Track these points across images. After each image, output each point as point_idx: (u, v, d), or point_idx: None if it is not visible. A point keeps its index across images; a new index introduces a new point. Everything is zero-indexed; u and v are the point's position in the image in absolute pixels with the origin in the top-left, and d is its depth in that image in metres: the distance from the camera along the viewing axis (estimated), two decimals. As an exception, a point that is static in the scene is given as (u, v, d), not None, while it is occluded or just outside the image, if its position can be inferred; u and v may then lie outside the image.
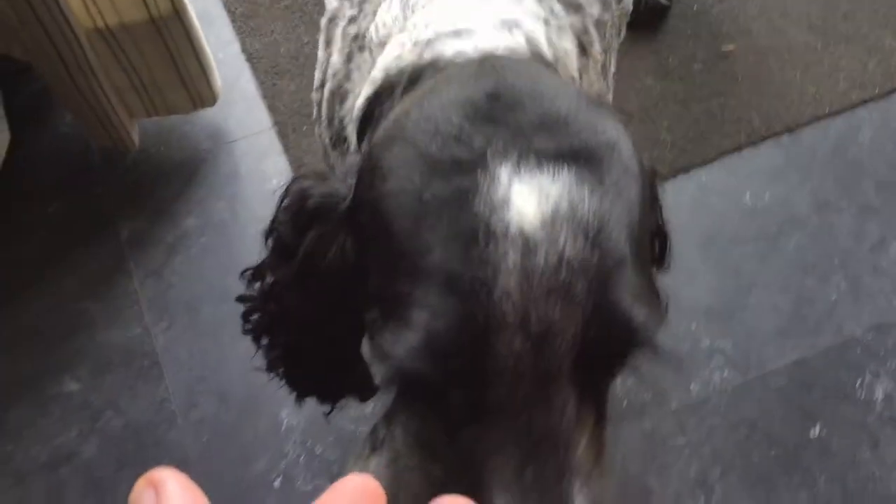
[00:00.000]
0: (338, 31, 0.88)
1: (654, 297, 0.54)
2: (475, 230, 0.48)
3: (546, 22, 0.77)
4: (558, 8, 0.80)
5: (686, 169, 1.52)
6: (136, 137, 1.39)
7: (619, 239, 0.50)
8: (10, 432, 1.31)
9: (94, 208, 1.45)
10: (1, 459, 1.29)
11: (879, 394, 1.38)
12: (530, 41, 0.72)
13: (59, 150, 1.49)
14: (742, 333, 1.41)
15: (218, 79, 1.39)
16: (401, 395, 0.57)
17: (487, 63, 0.60)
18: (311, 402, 1.31)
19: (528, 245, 0.47)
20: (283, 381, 0.79)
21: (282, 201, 0.63)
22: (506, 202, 0.48)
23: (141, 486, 0.34)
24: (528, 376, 0.48)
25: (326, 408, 0.85)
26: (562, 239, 0.48)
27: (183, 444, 1.31)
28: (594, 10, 0.86)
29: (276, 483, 1.29)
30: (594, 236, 0.48)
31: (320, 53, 0.93)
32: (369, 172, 0.56)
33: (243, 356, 1.35)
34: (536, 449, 0.49)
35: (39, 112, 1.51)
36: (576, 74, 0.80)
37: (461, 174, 0.50)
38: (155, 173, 1.48)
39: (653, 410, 1.36)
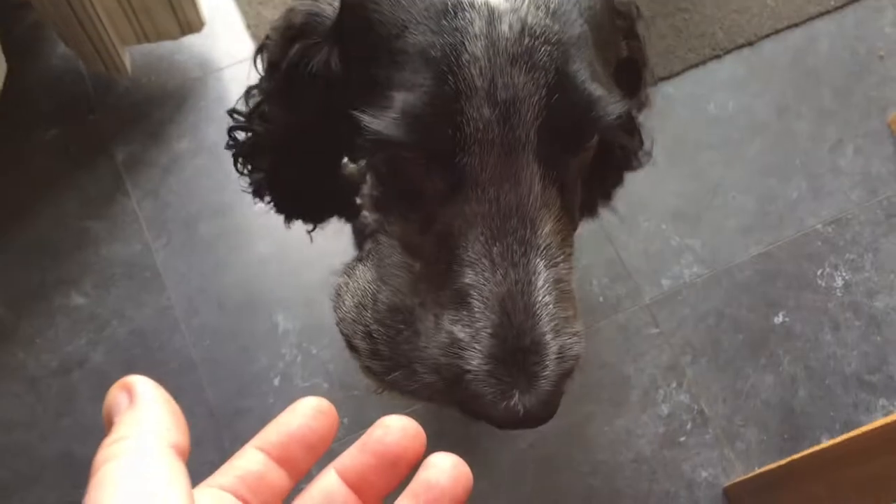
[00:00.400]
0: None
1: (612, 88, 0.57)
2: (446, 3, 0.52)
3: None
4: None
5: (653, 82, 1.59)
6: (128, 64, 1.45)
7: (580, 18, 0.54)
8: (22, 341, 1.38)
9: (90, 134, 1.51)
10: (14, 366, 1.37)
11: (839, 281, 1.47)
12: None
13: (55, 80, 1.55)
14: (709, 232, 1.50)
15: (203, 5, 1.46)
16: (382, 197, 0.64)
17: None
18: (304, 309, 1.40)
19: (492, 14, 0.52)
20: (269, 205, 0.83)
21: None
22: None
23: (114, 390, 0.37)
24: (497, 145, 0.53)
25: (310, 226, 0.89)
26: (524, 8, 0.52)
27: (186, 349, 1.39)
28: None
29: (276, 381, 1.38)
30: (554, 10, 0.53)
31: None
32: None
33: (239, 266, 1.43)
34: (503, 225, 0.53)
35: (34, 45, 1.57)
36: None
37: None
38: (147, 100, 1.55)
39: (627, 305, 1.45)
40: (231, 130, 0.78)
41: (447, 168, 0.55)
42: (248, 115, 0.74)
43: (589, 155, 0.62)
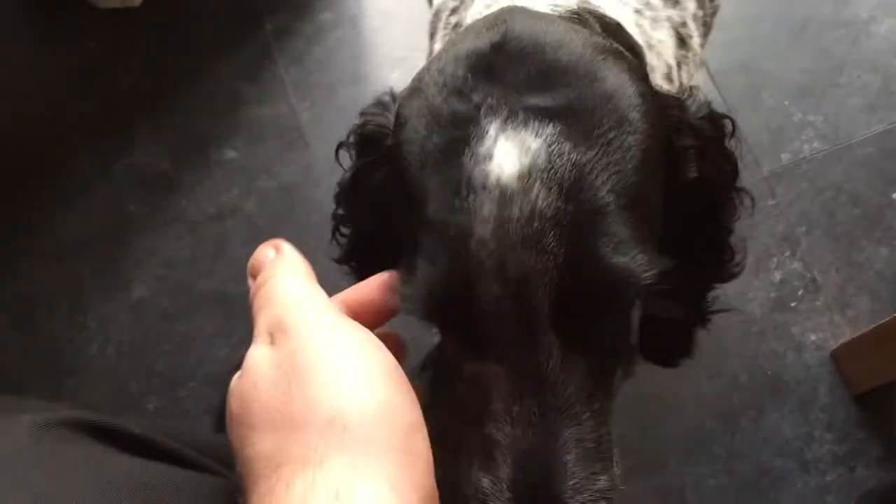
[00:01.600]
0: (440, 23, 0.90)
1: (644, 247, 0.53)
2: (460, 181, 0.52)
3: (639, 12, 0.80)
4: (655, 1, 0.83)
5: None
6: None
7: (601, 190, 0.52)
8: (183, 189, 1.53)
9: (243, 4, 1.64)
10: (177, 212, 1.52)
11: (962, 160, 1.48)
12: (586, 3, 0.72)
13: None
14: (832, 108, 1.52)
15: None
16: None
17: (502, 13, 0.60)
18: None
19: (504, 196, 0.50)
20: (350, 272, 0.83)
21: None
22: (489, 156, 0.51)
23: (263, 247, 0.56)
24: (511, 319, 0.53)
25: None
26: (535, 191, 0.50)
27: (328, 203, 1.51)
28: (690, 5, 0.88)
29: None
30: (569, 188, 0.51)
31: (426, 49, 0.96)
32: (396, 119, 0.60)
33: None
34: (522, 386, 0.54)
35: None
36: (673, 62, 0.82)
37: (457, 127, 0.53)
38: (293, -25, 1.66)
39: (744, 176, 1.48)
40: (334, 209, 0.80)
41: (467, 336, 0.56)
42: (336, 196, 0.76)
43: (627, 313, 0.62)
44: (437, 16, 0.91)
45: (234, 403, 0.45)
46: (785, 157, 1.50)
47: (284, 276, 0.51)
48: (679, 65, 0.84)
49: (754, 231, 1.46)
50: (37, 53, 1.67)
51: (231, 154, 1.55)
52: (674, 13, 0.84)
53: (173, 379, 1.43)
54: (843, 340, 1.39)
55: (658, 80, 0.78)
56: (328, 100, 1.58)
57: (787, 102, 1.53)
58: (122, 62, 1.62)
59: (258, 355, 0.45)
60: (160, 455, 0.57)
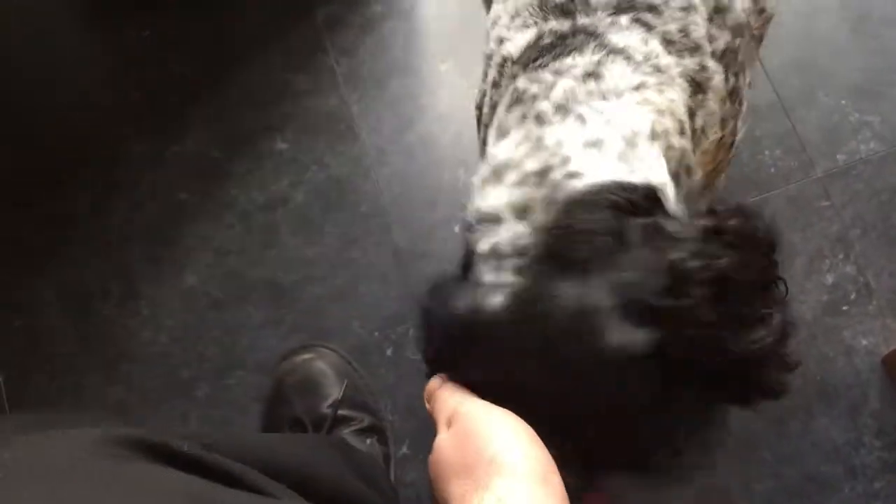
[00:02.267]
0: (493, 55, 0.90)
1: None
2: None
3: (639, 87, 0.75)
4: (666, 62, 0.77)
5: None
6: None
7: None
8: (234, 179, 1.55)
9: (294, -6, 1.64)
10: (228, 201, 1.54)
11: None
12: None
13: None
14: (890, 109, 1.50)
15: None
16: None
17: None
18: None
19: None
20: None
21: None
22: None
23: (434, 379, 0.69)
24: None
25: None
26: None
27: (377, 194, 1.52)
28: (719, 43, 0.83)
29: (456, 229, 1.49)
30: None
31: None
32: None
33: (425, 122, 1.54)
34: None
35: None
36: (685, 118, 0.78)
37: None
38: (345, -36, 1.65)
39: (798, 177, 1.48)
40: None
41: None
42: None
43: None
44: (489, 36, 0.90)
45: (432, 472, 0.60)
46: (841, 157, 1.48)
47: (450, 388, 0.67)
48: (692, 114, 0.80)
49: (807, 232, 1.44)
50: (87, 41, 1.69)
51: (282, 145, 1.56)
52: (690, 62, 0.79)
53: (223, 366, 1.45)
54: (894, 346, 1.37)
55: (673, 139, 0.76)
56: (378, 92, 1.57)
57: (843, 102, 1.51)
58: (173, 51, 1.63)
59: (442, 437, 0.61)
60: (209, 473, 0.60)
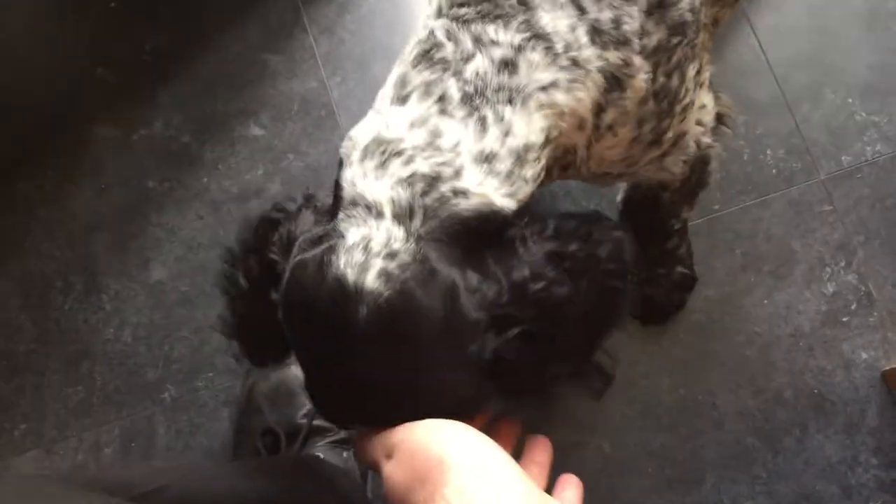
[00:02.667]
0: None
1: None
2: None
3: (548, 88, 0.72)
4: (587, 55, 0.73)
5: None
6: None
7: None
8: (206, 166, 1.45)
9: (272, -33, 1.53)
10: (200, 189, 1.45)
11: None
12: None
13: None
14: (899, 109, 1.42)
15: None
16: None
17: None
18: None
19: None
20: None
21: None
22: None
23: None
24: None
25: None
26: None
27: (357, 186, 1.43)
28: (651, 39, 0.78)
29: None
30: None
31: None
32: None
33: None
34: None
35: None
36: (587, 115, 0.76)
37: None
38: (326, -64, 1.54)
39: (801, 179, 1.41)
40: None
41: None
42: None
43: None
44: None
45: (389, 498, 0.59)
46: (845, 159, 1.41)
47: (370, 433, 0.65)
48: (598, 112, 0.78)
49: (808, 238, 1.38)
50: (51, 13, 1.57)
51: (257, 131, 1.47)
52: (613, 56, 0.75)
53: (192, 368, 1.38)
54: None
55: (566, 137, 0.76)
56: (360, 75, 1.48)
57: (850, 100, 1.43)
58: (142, 24, 1.52)
59: (388, 468, 0.60)
60: None
